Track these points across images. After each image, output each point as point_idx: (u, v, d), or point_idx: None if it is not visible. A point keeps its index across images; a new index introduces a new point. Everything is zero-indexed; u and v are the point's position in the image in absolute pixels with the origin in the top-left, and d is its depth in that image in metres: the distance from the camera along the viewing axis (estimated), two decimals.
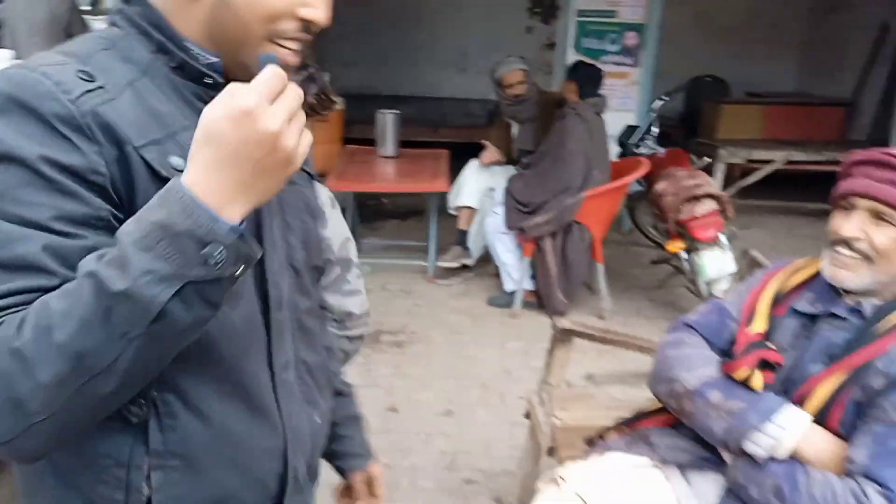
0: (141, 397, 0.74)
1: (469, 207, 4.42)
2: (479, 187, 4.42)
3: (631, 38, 5.38)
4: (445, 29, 8.45)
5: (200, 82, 0.78)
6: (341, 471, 1.18)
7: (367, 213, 5.35)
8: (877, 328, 1.28)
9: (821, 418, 1.28)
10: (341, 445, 1.15)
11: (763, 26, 7.88)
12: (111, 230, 0.67)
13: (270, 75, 0.66)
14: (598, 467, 1.45)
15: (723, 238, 3.65)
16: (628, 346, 2.18)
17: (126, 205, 0.71)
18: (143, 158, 0.71)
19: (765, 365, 1.34)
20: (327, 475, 1.14)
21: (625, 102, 5.31)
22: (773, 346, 1.36)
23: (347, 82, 7.43)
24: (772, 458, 1.27)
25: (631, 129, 4.66)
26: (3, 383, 0.63)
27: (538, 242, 3.90)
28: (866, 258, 1.30)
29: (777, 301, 1.42)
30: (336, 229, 1.61)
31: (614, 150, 4.47)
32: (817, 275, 1.40)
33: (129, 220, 0.65)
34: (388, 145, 4.65)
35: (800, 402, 1.30)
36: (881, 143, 4.70)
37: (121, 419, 0.75)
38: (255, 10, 0.74)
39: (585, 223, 3.88)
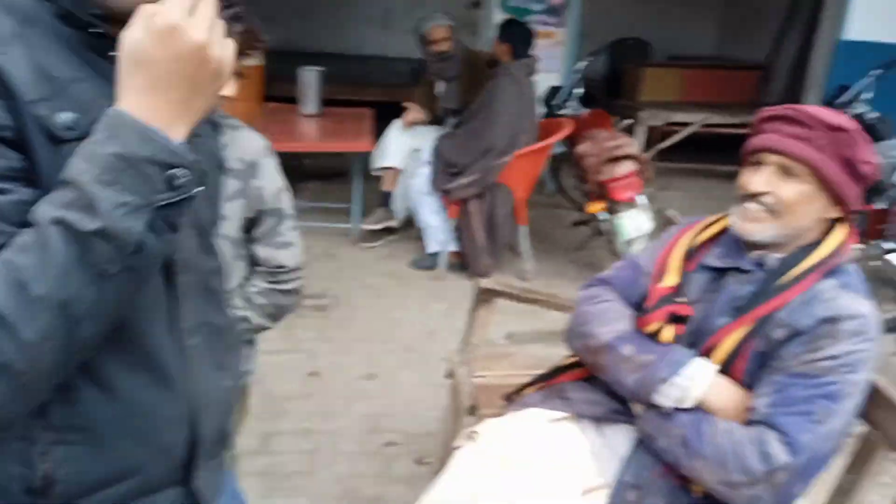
0: None
1: (393, 168, 4.35)
2: (403, 148, 4.35)
3: None
4: None
5: (87, 31, 0.73)
6: None
7: (289, 173, 5.19)
8: (780, 281, 1.31)
9: (726, 369, 1.32)
10: None
11: None
12: (31, 183, 0.67)
13: None
14: (514, 422, 1.46)
15: (641, 199, 3.72)
16: (548, 305, 2.19)
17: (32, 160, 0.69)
18: (34, 115, 0.68)
19: (675, 318, 1.36)
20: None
21: (550, 63, 5.32)
22: (684, 300, 1.39)
23: (267, 37, 7.16)
24: (679, 409, 1.30)
25: (555, 90, 4.67)
26: None
27: (463, 204, 3.88)
28: (773, 212, 1.33)
29: (688, 256, 1.45)
30: (270, 179, 1.56)
31: (539, 111, 4.47)
32: (726, 231, 1.44)
33: (73, 161, 0.64)
34: (311, 103, 4.51)
35: (707, 354, 1.34)
36: None
37: None
38: None
39: (509, 185, 3.88)
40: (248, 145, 1.56)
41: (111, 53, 0.71)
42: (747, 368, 1.31)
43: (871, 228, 2.86)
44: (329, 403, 2.77)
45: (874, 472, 1.34)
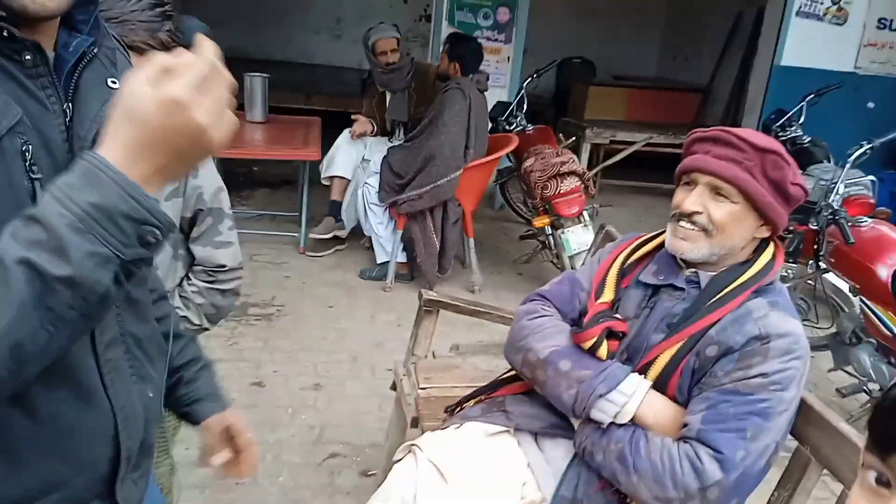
0: None
1: (342, 178, 4.35)
2: (352, 158, 4.35)
3: (503, 14, 5.45)
4: None
5: None
6: (193, 420, 1.12)
7: (236, 180, 5.14)
8: (711, 299, 1.35)
9: (661, 385, 1.35)
10: (187, 390, 1.10)
11: (627, 11, 8.23)
12: None
13: (203, 62, 0.64)
14: (453, 436, 1.47)
15: (585, 215, 3.81)
16: (492, 317, 2.22)
17: None
18: None
19: (611, 334, 1.39)
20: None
21: (497, 78, 5.39)
22: (619, 316, 1.42)
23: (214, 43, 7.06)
24: (615, 424, 1.33)
25: (502, 106, 4.74)
26: None
27: (411, 216, 3.89)
28: (705, 231, 1.37)
29: (624, 273, 1.48)
30: (208, 178, 1.55)
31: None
32: (662, 247, 1.47)
33: (46, 200, 0.62)
34: (257, 110, 4.48)
35: (644, 370, 1.37)
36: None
37: None
38: None
39: (458, 198, 3.92)
40: None
41: (18, 58, 0.70)
42: (681, 385, 1.34)
43: (807, 248, 2.98)
44: (273, 414, 2.74)
45: (807, 489, 1.36)
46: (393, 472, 1.43)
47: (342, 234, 4.38)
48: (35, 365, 0.64)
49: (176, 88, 0.62)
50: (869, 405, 2.94)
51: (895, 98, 5.71)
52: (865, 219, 2.88)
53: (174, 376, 1.06)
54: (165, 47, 1.35)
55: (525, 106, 4.62)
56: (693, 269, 1.42)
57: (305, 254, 4.29)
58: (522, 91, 4.63)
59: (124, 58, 0.90)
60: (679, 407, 1.34)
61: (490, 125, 4.65)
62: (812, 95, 4.18)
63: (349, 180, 4.34)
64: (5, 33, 0.70)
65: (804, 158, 3.80)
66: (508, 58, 5.52)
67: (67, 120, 0.76)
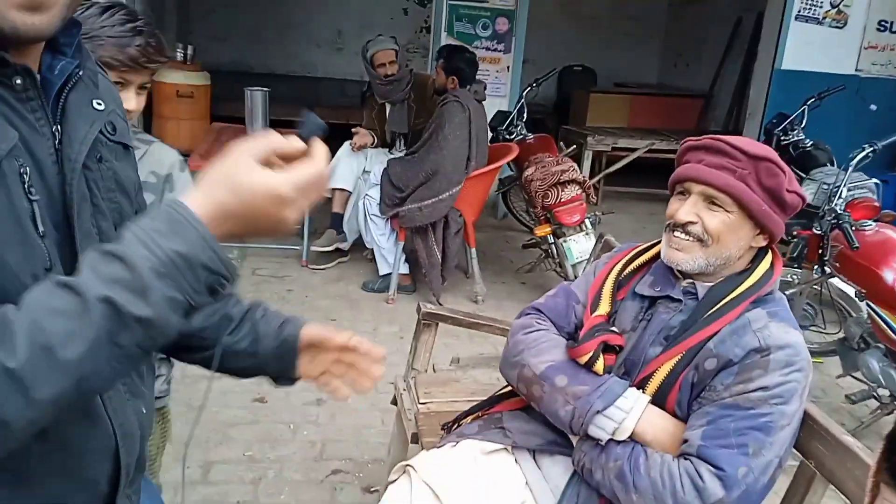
0: None
1: (343, 190, 4.34)
2: (353, 169, 4.35)
3: (502, 24, 5.46)
4: (321, 6, 8.24)
5: None
6: (290, 346, 1.05)
7: None
8: (709, 310, 1.32)
9: (660, 399, 1.32)
10: (265, 326, 1.04)
11: (626, 18, 8.23)
12: None
13: (315, 168, 0.71)
14: (449, 455, 1.44)
15: (587, 223, 3.78)
16: (491, 329, 2.20)
17: None
18: None
19: (608, 348, 1.36)
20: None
21: (497, 88, 5.39)
22: (616, 329, 1.39)
23: (216, 58, 7.10)
24: (614, 441, 1.29)
25: (502, 115, 4.73)
26: None
27: (413, 228, 3.88)
28: (700, 241, 1.34)
29: (620, 284, 1.45)
30: (185, 193, 1.54)
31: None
32: (658, 258, 1.44)
33: (130, 241, 0.66)
34: (257, 124, 4.47)
35: (642, 384, 1.33)
36: (734, 133, 5.03)
37: None
38: None
39: (459, 208, 3.91)
40: (161, 159, 1.57)
41: (8, 82, 0.70)
42: (680, 399, 1.30)
43: (811, 253, 2.95)
44: (275, 430, 2.72)
45: None
46: (387, 494, 1.41)
47: (344, 246, 4.37)
48: (92, 395, 0.68)
49: (285, 185, 0.69)
50: (879, 411, 2.90)
51: None
52: (870, 222, 2.85)
53: (239, 326, 1.03)
54: (136, 63, 1.35)
55: (525, 115, 4.62)
56: (690, 280, 1.39)
57: (308, 267, 4.28)
58: (522, 100, 4.62)
59: (105, 79, 0.90)
60: (679, 422, 1.31)
61: (490, 135, 4.66)
62: (813, 98, 4.15)
63: (350, 192, 4.34)
64: None
65: (807, 162, 3.78)
66: (508, 67, 5.52)
67: (57, 142, 0.77)
